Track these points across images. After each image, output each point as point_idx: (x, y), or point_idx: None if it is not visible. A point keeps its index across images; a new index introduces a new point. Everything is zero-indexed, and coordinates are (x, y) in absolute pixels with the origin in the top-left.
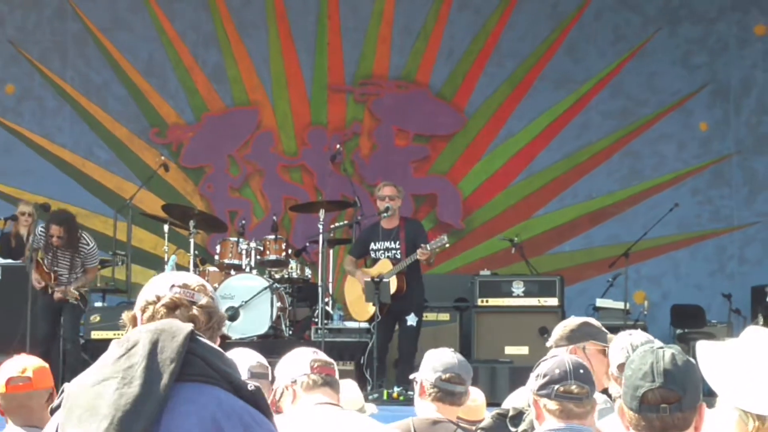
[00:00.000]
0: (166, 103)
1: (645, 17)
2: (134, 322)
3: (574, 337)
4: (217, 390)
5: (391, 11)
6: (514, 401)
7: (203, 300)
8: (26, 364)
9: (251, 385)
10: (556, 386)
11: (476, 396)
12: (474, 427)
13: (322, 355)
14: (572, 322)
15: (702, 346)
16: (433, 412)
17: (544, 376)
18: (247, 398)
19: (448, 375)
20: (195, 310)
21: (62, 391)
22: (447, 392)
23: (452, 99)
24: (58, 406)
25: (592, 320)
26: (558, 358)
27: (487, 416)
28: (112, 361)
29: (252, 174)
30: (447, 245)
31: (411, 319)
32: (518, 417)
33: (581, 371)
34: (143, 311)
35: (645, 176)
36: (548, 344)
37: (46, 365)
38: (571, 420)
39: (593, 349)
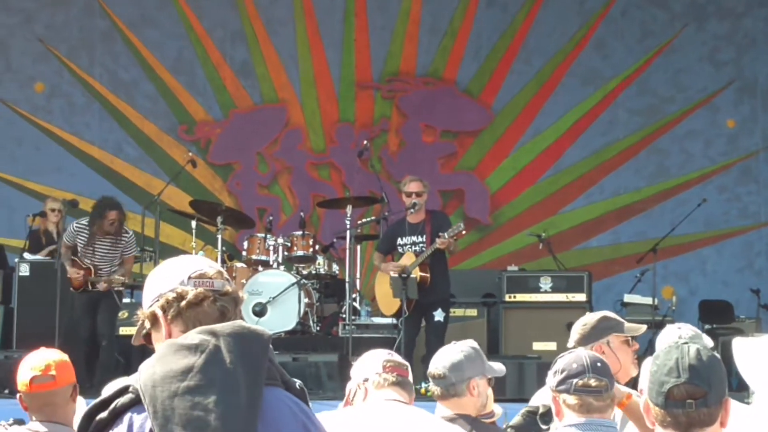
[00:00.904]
0: (194, 100)
1: (672, 13)
2: (154, 319)
3: (595, 333)
4: (282, 392)
5: (419, 9)
6: (543, 398)
7: (226, 286)
8: (49, 360)
9: (298, 383)
10: (575, 380)
11: None
12: (485, 421)
13: (396, 357)
14: (590, 319)
15: (738, 343)
16: (445, 410)
17: (562, 371)
18: (299, 395)
19: (429, 371)
20: (223, 301)
21: (124, 390)
22: (434, 388)
23: (479, 96)
24: (130, 405)
25: (607, 312)
26: (575, 353)
27: (517, 414)
28: (198, 367)
29: (280, 171)
30: (463, 231)
31: (438, 315)
32: (549, 414)
33: (599, 364)
34: (164, 309)
35: (672, 173)
36: (569, 345)
37: (67, 359)
38: (591, 414)
39: (617, 341)
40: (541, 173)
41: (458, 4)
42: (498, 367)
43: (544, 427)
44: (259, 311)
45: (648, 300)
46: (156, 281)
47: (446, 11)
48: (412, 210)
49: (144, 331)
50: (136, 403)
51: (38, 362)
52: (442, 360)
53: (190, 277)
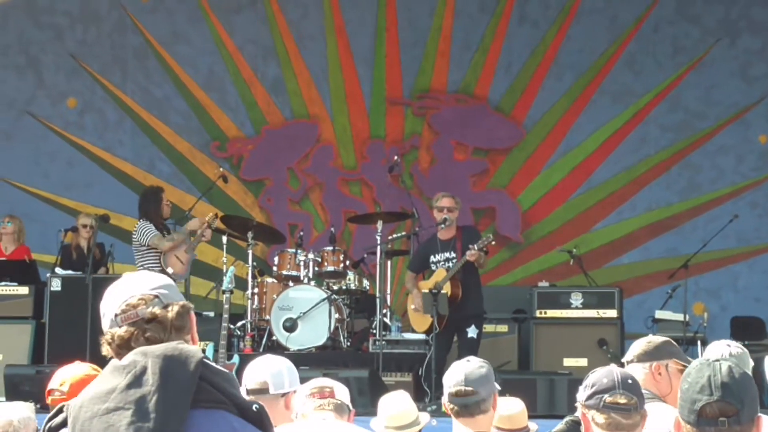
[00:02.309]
0: (226, 117)
1: (704, 29)
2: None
3: (658, 353)
4: (228, 416)
5: (450, 25)
6: None
7: (150, 310)
8: (70, 374)
9: (255, 405)
10: (604, 396)
11: (512, 405)
12: None
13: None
14: (655, 339)
15: None
16: (461, 427)
17: (592, 386)
18: (254, 419)
19: (455, 390)
20: (151, 330)
21: (61, 409)
22: (460, 406)
23: (511, 113)
24: (61, 426)
25: (670, 339)
26: (606, 368)
27: (561, 422)
28: (120, 389)
29: (312, 187)
30: (493, 242)
31: (471, 332)
32: None
33: (629, 381)
34: (110, 346)
35: (703, 189)
36: (626, 359)
37: (90, 373)
38: None
39: (675, 368)
40: (572, 191)
41: (490, 20)
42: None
43: None
44: (290, 327)
45: (679, 316)
46: (101, 312)
47: (478, 27)
48: (443, 225)
49: None
50: (65, 425)
51: (61, 379)
52: (469, 376)
53: (116, 315)
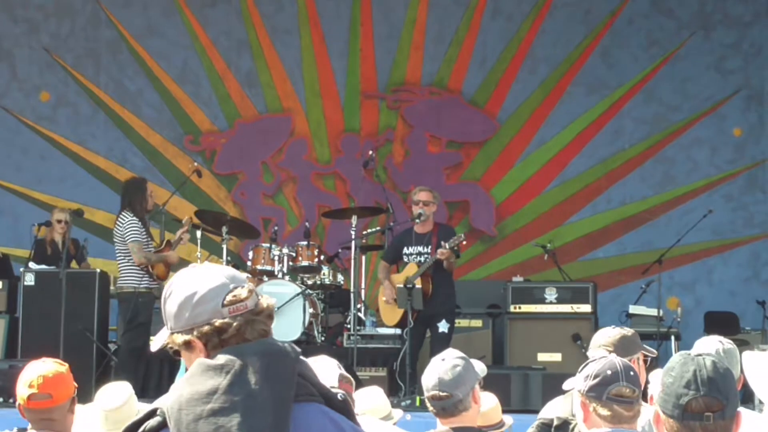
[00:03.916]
0: (199, 110)
1: (679, 22)
2: (188, 345)
3: (633, 347)
4: (323, 408)
5: (424, 18)
6: (555, 410)
7: (259, 303)
8: (47, 374)
9: (340, 394)
10: (608, 388)
11: (484, 401)
12: None
13: (344, 371)
14: (627, 332)
15: (748, 357)
16: (442, 426)
17: (595, 377)
18: (340, 409)
19: (430, 394)
20: (261, 323)
21: (152, 413)
22: (439, 408)
23: (485, 105)
24: (157, 429)
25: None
26: (608, 359)
27: (531, 426)
28: (223, 389)
29: (285, 181)
30: (464, 242)
31: (443, 326)
32: (564, 427)
33: (631, 373)
34: (203, 341)
35: (678, 182)
36: (598, 354)
37: (65, 370)
38: (621, 425)
39: (642, 359)
40: (546, 183)
41: (464, 13)
42: (480, 368)
43: None
44: None
45: (653, 311)
46: (184, 305)
47: (452, 21)
48: (417, 220)
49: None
50: (163, 426)
51: (36, 378)
52: (443, 379)
53: (224, 305)
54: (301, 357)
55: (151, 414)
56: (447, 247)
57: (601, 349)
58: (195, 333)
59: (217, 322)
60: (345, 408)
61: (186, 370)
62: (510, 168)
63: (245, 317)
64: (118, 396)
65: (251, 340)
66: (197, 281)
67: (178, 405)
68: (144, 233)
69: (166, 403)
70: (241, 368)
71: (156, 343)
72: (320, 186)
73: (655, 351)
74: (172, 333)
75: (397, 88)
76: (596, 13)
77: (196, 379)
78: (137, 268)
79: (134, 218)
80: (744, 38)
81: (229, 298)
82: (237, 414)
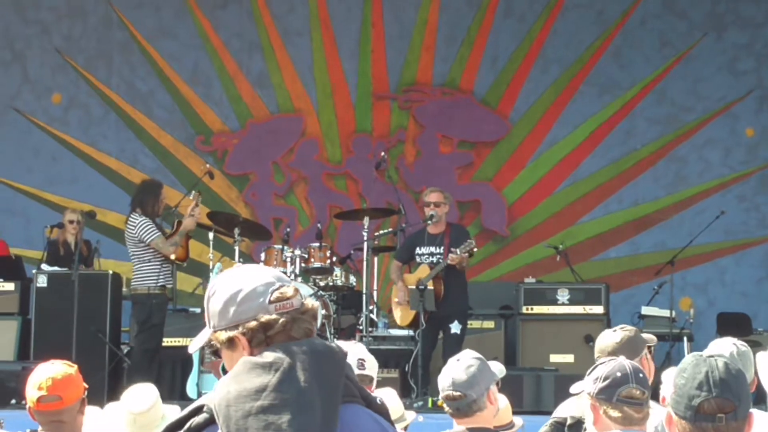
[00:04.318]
0: (210, 111)
1: (691, 23)
2: (231, 342)
3: (639, 346)
4: (366, 410)
5: (435, 19)
6: (569, 410)
7: (304, 303)
8: (56, 376)
9: (379, 398)
10: (618, 390)
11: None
12: None
13: (362, 369)
14: (627, 332)
15: (762, 357)
16: (458, 426)
17: (605, 378)
18: (380, 412)
19: (444, 394)
20: (306, 323)
21: (198, 409)
22: (454, 408)
23: (497, 106)
24: (204, 426)
25: (631, 327)
26: (617, 360)
27: (544, 425)
28: (272, 386)
29: (297, 182)
30: (475, 249)
31: (455, 327)
32: (577, 426)
33: (641, 375)
34: (247, 337)
35: (691, 182)
36: (605, 357)
37: (75, 372)
38: (632, 426)
39: (648, 354)
40: (558, 183)
41: (475, 13)
42: (497, 368)
43: None
44: None
45: (666, 312)
46: (230, 302)
47: (463, 21)
48: (429, 222)
49: (213, 348)
50: (210, 423)
51: (45, 381)
52: (457, 379)
53: (270, 302)
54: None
55: (197, 411)
56: (458, 252)
57: (609, 356)
58: (240, 329)
59: (264, 318)
60: (385, 412)
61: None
62: (522, 168)
63: (291, 315)
64: (145, 399)
65: (297, 338)
66: (243, 279)
67: (226, 402)
68: (157, 229)
69: (212, 400)
70: (290, 366)
71: (195, 344)
72: (331, 186)
73: (654, 337)
74: (215, 331)
75: (409, 88)
76: (608, 14)
77: (244, 377)
78: (151, 269)
79: (144, 218)
80: (757, 39)
81: (276, 295)
82: (287, 411)
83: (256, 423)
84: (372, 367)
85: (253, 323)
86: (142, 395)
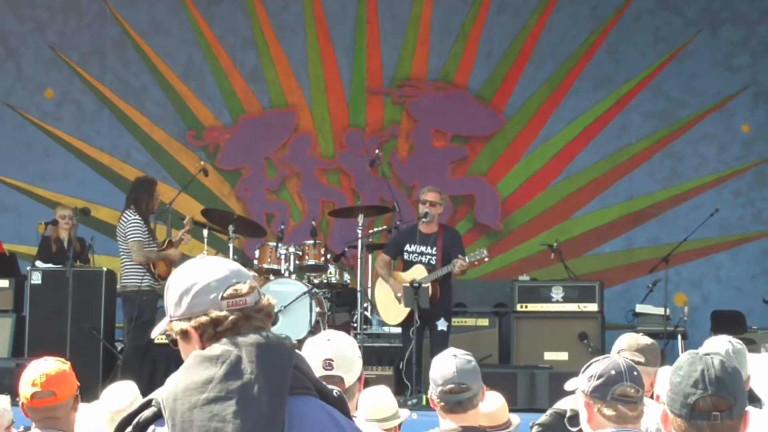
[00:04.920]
0: (203, 106)
1: (686, 19)
2: (185, 334)
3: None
4: (319, 402)
5: (429, 14)
6: (569, 404)
7: (260, 301)
8: (50, 373)
9: (336, 390)
10: (612, 388)
11: (492, 401)
12: None
13: (331, 371)
14: (651, 342)
15: (752, 356)
16: (450, 424)
17: (599, 377)
18: (335, 405)
19: (448, 387)
20: (258, 321)
21: (147, 404)
22: (453, 403)
23: (491, 100)
24: (153, 419)
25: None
26: (611, 358)
27: (545, 414)
28: (218, 379)
29: (289, 177)
30: (486, 259)
31: (441, 324)
32: (577, 418)
33: (635, 373)
34: (198, 332)
35: (686, 177)
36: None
37: (68, 368)
38: (626, 425)
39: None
40: (552, 178)
41: (470, 8)
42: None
43: (572, 429)
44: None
45: (660, 310)
46: (184, 294)
47: (458, 16)
48: (424, 219)
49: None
50: (158, 417)
51: (39, 377)
52: (461, 372)
53: (223, 298)
54: (297, 351)
55: (146, 405)
56: (467, 261)
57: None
58: (192, 322)
59: (214, 314)
60: (341, 405)
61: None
62: (516, 163)
63: (244, 312)
64: (123, 397)
65: (245, 334)
66: (200, 272)
67: (173, 395)
68: (146, 232)
69: (161, 394)
70: (237, 358)
71: (156, 329)
72: (324, 181)
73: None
74: (171, 321)
75: (403, 83)
76: (603, 9)
77: (192, 370)
78: (139, 266)
79: (137, 217)
80: (752, 36)
81: (229, 291)
82: (232, 403)
83: (201, 415)
84: (344, 366)
85: (204, 318)
86: (120, 394)
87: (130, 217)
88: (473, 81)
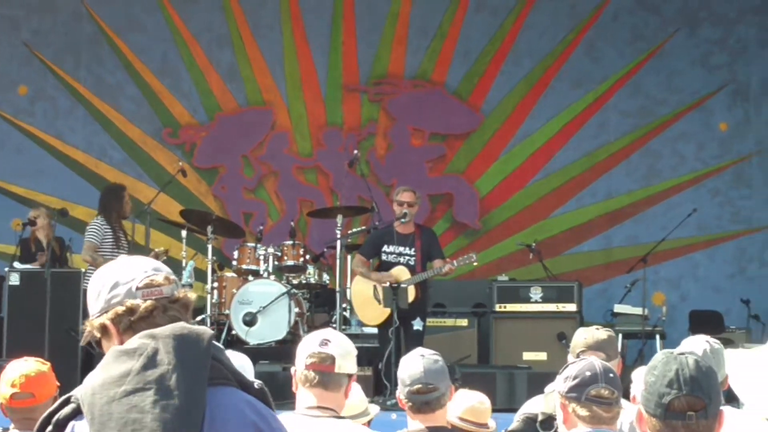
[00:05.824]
0: (179, 104)
1: (663, 18)
2: (104, 330)
3: (616, 349)
4: (238, 392)
5: (407, 12)
6: (537, 406)
7: (175, 292)
8: (29, 373)
9: (257, 382)
10: (587, 389)
11: (483, 399)
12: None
13: (324, 348)
14: (605, 332)
15: (729, 355)
16: (418, 425)
17: (574, 378)
18: (258, 395)
19: (416, 387)
20: (174, 310)
21: (66, 401)
22: (421, 403)
23: (468, 98)
24: (71, 416)
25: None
26: (587, 360)
27: (514, 420)
28: (136, 371)
29: (266, 175)
30: (475, 263)
31: (417, 324)
32: (549, 422)
33: (611, 375)
34: (114, 322)
35: (664, 176)
36: (580, 353)
37: (47, 369)
38: (600, 425)
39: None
40: (531, 176)
41: (447, 6)
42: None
43: None
44: (250, 321)
45: (638, 310)
46: (102, 290)
47: (435, 14)
48: (402, 220)
49: (94, 338)
50: (77, 413)
51: (18, 378)
52: (429, 370)
53: (138, 288)
54: (215, 342)
55: (65, 402)
56: (455, 264)
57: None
58: (109, 314)
59: (129, 303)
60: (263, 396)
61: None
62: (494, 161)
63: (159, 302)
64: None
65: (161, 324)
66: (118, 268)
67: (91, 390)
68: (109, 239)
69: (79, 390)
70: (154, 351)
71: (84, 338)
72: (302, 180)
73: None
74: (91, 319)
75: (380, 80)
76: (581, 8)
77: (110, 365)
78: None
79: (103, 223)
80: (730, 35)
81: (144, 281)
82: (150, 393)
83: (120, 407)
84: (340, 349)
85: (120, 308)
86: None
87: (96, 222)
88: (451, 79)
